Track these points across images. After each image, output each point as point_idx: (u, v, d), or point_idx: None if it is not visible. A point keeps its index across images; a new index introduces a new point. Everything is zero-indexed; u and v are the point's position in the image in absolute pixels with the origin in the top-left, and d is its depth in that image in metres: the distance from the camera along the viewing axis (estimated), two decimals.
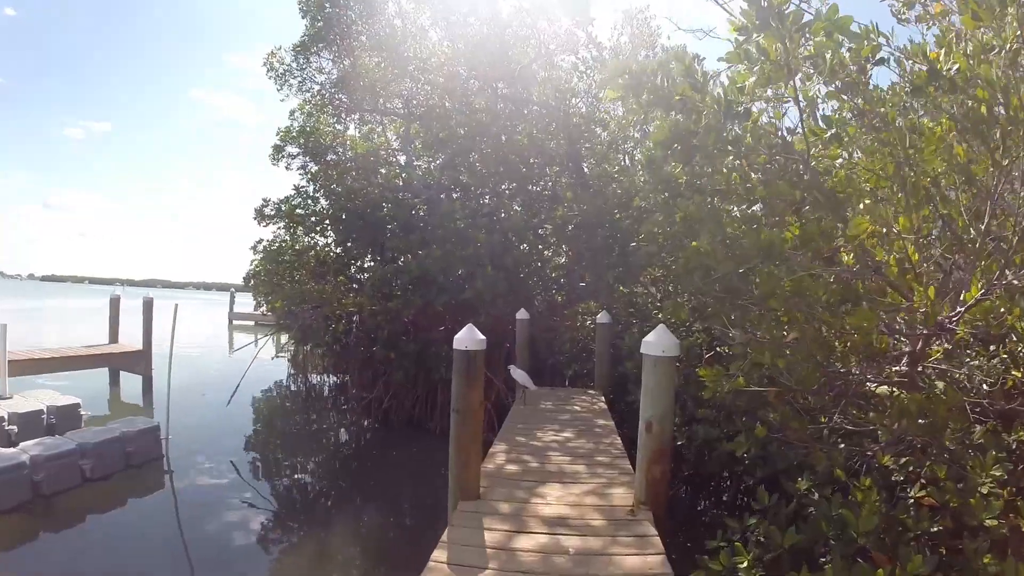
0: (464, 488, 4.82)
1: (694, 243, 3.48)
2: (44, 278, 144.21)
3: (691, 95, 3.30)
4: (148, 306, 14.90)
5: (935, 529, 2.92)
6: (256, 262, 14.95)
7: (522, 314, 10.00)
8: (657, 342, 4.65)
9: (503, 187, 12.50)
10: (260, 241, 14.92)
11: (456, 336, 4.78)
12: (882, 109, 3.16)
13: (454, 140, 11.68)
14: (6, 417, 8.38)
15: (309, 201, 12.51)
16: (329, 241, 13.52)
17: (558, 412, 8.37)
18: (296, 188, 12.40)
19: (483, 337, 4.86)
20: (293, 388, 16.55)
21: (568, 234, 10.50)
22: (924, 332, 3.17)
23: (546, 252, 13.44)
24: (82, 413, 9.44)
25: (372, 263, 12.45)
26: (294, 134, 14.81)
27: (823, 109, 3.36)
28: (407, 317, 11.30)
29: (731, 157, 3.46)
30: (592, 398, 9.37)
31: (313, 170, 13.77)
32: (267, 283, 14.05)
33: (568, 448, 6.55)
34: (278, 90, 15.99)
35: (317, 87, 15.71)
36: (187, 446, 9.66)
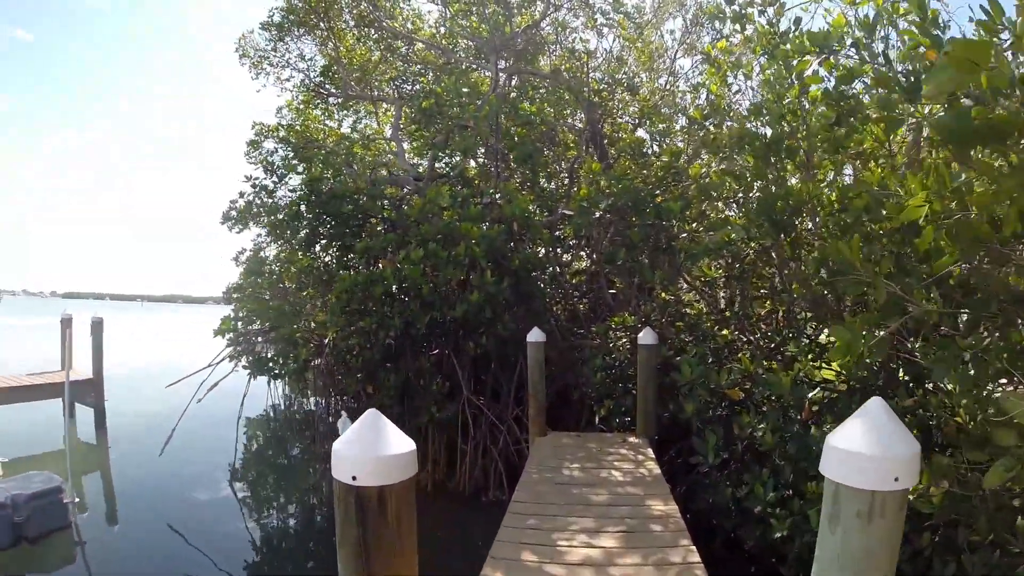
0: None
1: None
2: (66, 295, 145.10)
3: None
4: (98, 327, 12.47)
5: None
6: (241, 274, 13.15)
7: (535, 335, 7.25)
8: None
9: (507, 175, 9.83)
10: (243, 251, 12.82)
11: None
12: None
13: (446, 117, 9.10)
14: None
15: (263, 196, 9.84)
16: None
17: (589, 479, 5.65)
18: (248, 179, 9.68)
19: None
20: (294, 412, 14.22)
21: (593, 224, 7.69)
22: None
23: (565, 256, 10.75)
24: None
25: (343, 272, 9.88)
26: (274, 127, 12.53)
27: None
28: (387, 340, 8.67)
29: None
30: (635, 451, 6.60)
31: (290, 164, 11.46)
32: (250, 299, 11.85)
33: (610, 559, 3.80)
34: (253, 78, 14.05)
35: (300, 75, 13.73)
36: (116, 505, 7.98)
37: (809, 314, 6.14)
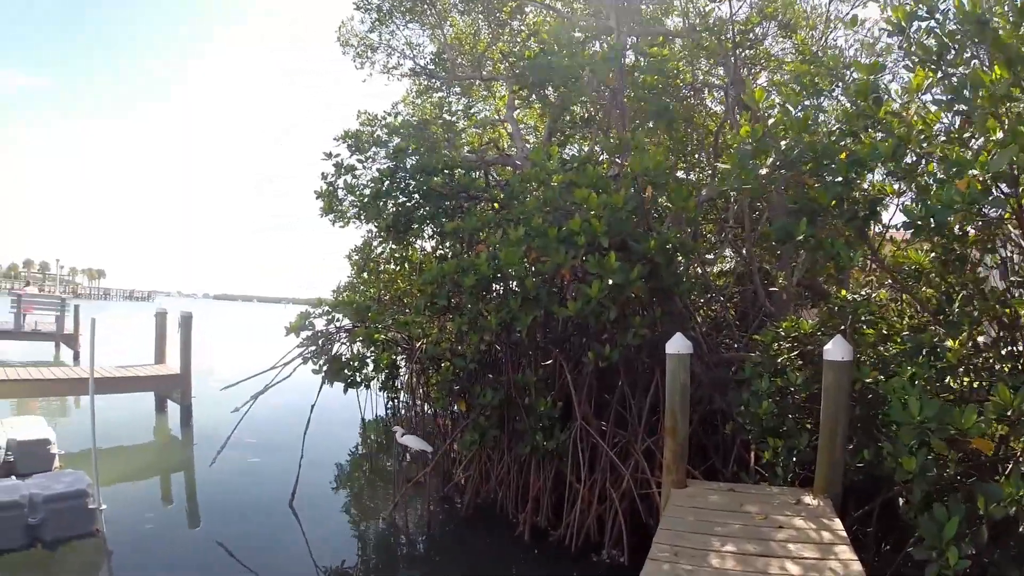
0: None
1: None
2: (217, 296, 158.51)
3: None
4: (187, 322, 12.11)
5: None
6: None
7: (677, 344, 5.26)
8: None
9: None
10: (356, 249, 11.95)
11: None
12: None
13: (557, 73, 7.38)
14: None
15: (348, 176, 8.47)
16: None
17: (747, 568, 3.63)
18: (329, 155, 8.29)
19: None
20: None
21: (758, 183, 5.44)
22: None
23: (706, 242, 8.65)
24: (54, 452, 7.35)
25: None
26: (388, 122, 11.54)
27: None
28: (481, 345, 7.04)
29: None
30: (816, 520, 4.42)
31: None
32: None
33: None
34: (358, 68, 13.26)
35: (409, 62, 12.80)
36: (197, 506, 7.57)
37: None
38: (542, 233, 5.64)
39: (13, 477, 6.51)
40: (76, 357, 20.00)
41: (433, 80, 12.43)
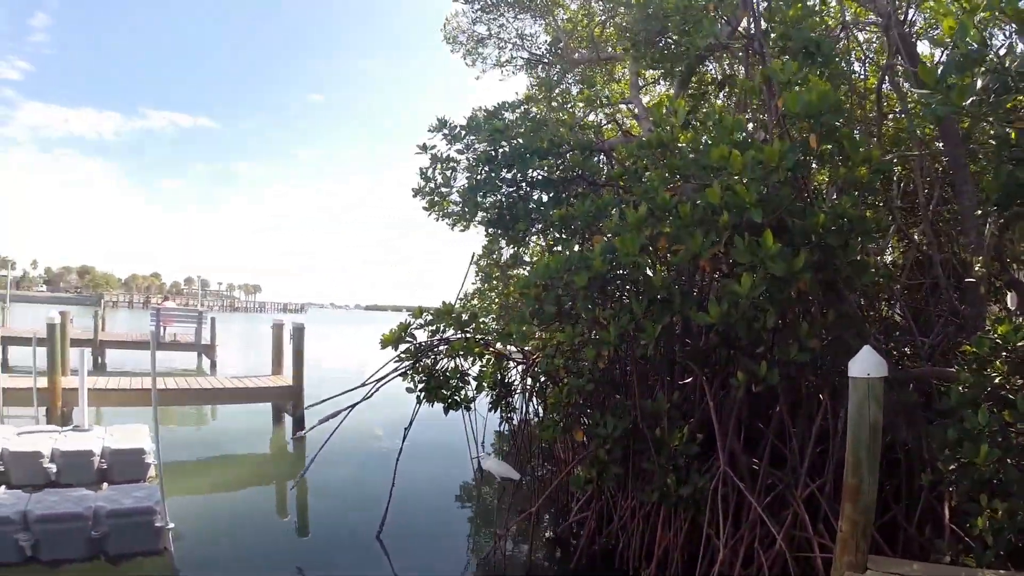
0: None
1: None
2: (368, 307, 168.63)
3: None
4: (299, 334, 11.97)
5: None
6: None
7: (864, 363, 3.71)
8: None
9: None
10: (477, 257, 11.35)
11: None
12: None
13: (674, 27, 6.00)
14: (47, 454, 6.98)
15: (445, 169, 7.48)
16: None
17: None
18: (424, 148, 7.32)
19: None
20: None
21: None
22: None
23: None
24: (148, 462, 7.37)
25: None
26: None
27: None
28: (598, 362, 5.78)
29: None
30: None
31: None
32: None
33: None
34: (469, 66, 12.59)
35: (524, 55, 12.31)
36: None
37: None
38: (670, 212, 4.31)
39: (105, 484, 6.65)
40: (213, 366, 21.02)
41: (550, 70, 11.41)
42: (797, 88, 4.28)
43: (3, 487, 6.26)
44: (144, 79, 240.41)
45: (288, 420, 11.97)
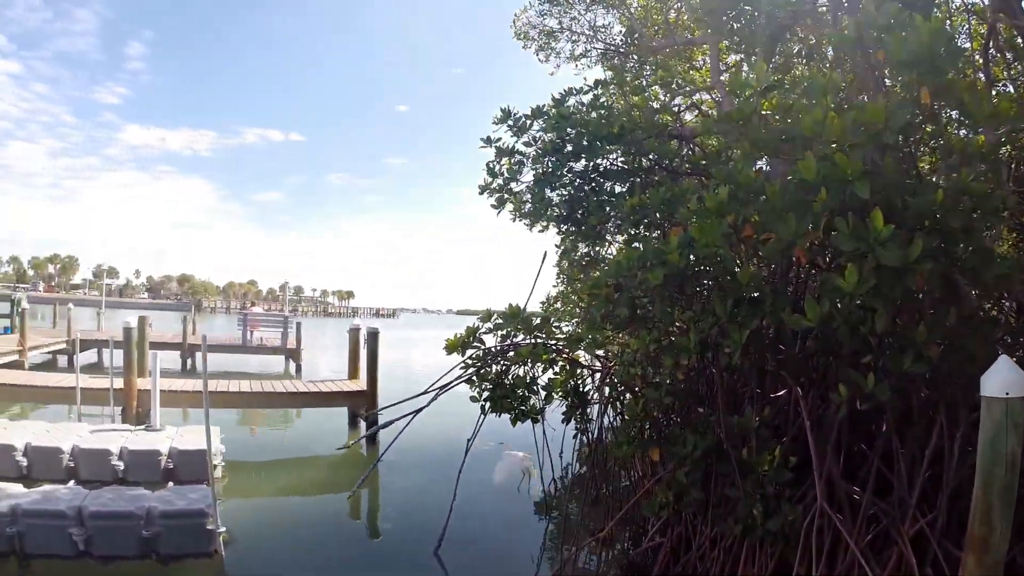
0: None
1: None
2: (460, 312, 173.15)
3: None
4: (373, 338, 11.94)
5: None
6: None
7: (1001, 377, 2.95)
8: None
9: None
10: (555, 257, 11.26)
11: None
12: None
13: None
14: (116, 452, 7.23)
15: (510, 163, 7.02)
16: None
17: None
18: (487, 142, 6.89)
19: None
20: None
21: None
22: None
23: None
24: (216, 463, 7.52)
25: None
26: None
27: None
28: (678, 372, 5.14)
29: None
30: None
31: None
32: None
33: None
34: (543, 61, 12.34)
35: (599, 47, 11.91)
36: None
37: None
38: (757, 193, 3.65)
39: (171, 483, 6.76)
40: (298, 370, 21.60)
41: (626, 61, 10.87)
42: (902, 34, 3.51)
43: (72, 481, 6.43)
44: (236, 99, 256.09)
45: (363, 424, 11.94)
